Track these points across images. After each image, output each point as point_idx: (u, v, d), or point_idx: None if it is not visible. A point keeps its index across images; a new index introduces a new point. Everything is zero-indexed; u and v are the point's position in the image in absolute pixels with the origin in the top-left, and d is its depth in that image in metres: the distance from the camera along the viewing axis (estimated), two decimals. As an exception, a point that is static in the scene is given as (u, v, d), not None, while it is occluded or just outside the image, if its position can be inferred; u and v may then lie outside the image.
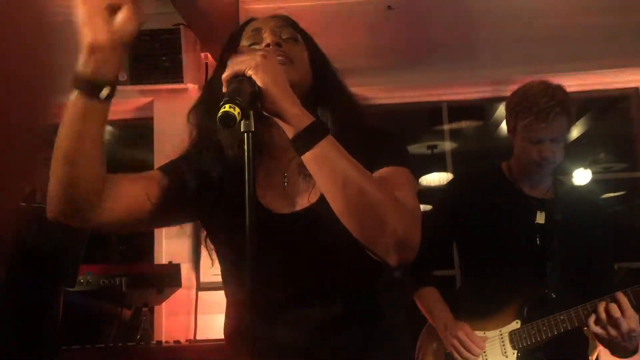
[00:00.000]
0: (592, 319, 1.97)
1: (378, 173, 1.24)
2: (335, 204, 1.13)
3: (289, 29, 1.33)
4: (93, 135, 1.16)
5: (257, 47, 1.28)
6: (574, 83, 3.64)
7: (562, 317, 2.04)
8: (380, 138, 1.33)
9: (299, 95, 1.18)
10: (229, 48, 1.33)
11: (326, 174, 1.12)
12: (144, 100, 3.86)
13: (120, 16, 1.06)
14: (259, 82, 1.08)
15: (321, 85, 1.31)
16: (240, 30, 1.37)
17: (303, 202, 1.27)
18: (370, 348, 1.26)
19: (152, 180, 1.30)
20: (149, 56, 3.59)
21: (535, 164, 2.16)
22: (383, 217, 1.11)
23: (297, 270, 1.24)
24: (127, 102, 3.89)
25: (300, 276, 1.24)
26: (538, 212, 2.20)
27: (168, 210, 1.29)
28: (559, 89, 2.15)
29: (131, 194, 1.24)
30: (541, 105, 2.09)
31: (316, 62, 1.34)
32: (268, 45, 1.26)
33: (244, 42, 1.32)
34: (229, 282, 1.33)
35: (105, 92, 1.12)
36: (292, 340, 1.23)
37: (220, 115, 1.00)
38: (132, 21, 1.07)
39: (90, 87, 1.11)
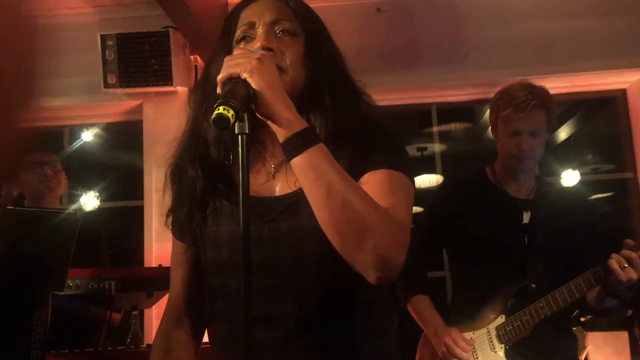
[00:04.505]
0: (613, 261, 1.95)
1: (370, 175, 1.20)
2: (318, 213, 1.11)
3: (285, 21, 1.27)
4: None
5: (250, 44, 1.24)
6: (562, 85, 3.68)
7: (541, 304, 2.08)
8: (377, 139, 1.27)
9: (292, 97, 1.17)
10: (225, 37, 1.31)
11: (311, 182, 1.11)
12: (133, 103, 3.85)
13: None
14: (254, 86, 1.07)
15: (315, 84, 1.26)
16: (235, 16, 1.31)
17: (286, 188, 1.26)
18: (351, 347, 1.23)
19: (189, 267, 1.39)
20: (138, 59, 3.58)
21: (514, 158, 2.20)
22: (365, 232, 1.08)
23: (273, 257, 1.21)
24: (116, 105, 3.88)
25: (277, 264, 1.21)
26: (524, 213, 2.23)
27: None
28: (540, 87, 2.24)
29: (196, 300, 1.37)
30: (520, 98, 2.17)
31: (311, 56, 1.27)
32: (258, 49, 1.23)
33: (238, 34, 1.28)
34: (212, 277, 1.31)
35: None
36: (268, 337, 1.19)
37: (214, 117, 0.99)
38: None
39: None
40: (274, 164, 1.30)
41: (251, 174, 1.27)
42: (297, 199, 1.22)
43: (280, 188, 1.27)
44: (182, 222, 1.33)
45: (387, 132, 1.31)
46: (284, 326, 1.20)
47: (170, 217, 1.37)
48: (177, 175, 1.33)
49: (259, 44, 1.23)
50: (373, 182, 1.19)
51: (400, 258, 1.11)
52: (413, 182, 1.26)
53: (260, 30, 1.25)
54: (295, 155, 1.11)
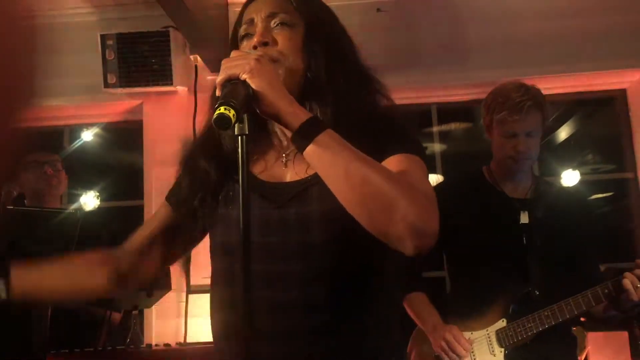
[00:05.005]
0: (628, 279, 1.97)
1: (386, 162, 1.20)
2: (341, 195, 1.11)
3: (282, 14, 1.29)
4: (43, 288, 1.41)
5: (250, 41, 1.28)
6: (562, 85, 3.68)
7: (546, 313, 2.08)
8: (388, 127, 1.28)
9: (292, 87, 1.19)
10: (234, 38, 1.35)
11: (328, 166, 1.11)
12: (134, 102, 3.85)
13: None
14: (254, 86, 1.08)
15: (315, 74, 1.27)
16: (240, 15, 1.35)
17: (296, 176, 1.27)
18: (355, 337, 1.22)
19: (163, 225, 1.43)
20: (138, 59, 3.58)
21: (510, 159, 2.20)
22: (392, 203, 1.07)
23: (280, 242, 1.22)
24: (116, 105, 3.88)
25: (284, 250, 1.22)
26: (522, 213, 2.23)
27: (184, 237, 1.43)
28: (533, 87, 2.23)
29: (146, 256, 1.43)
30: (515, 99, 2.16)
31: (311, 46, 1.28)
32: (255, 47, 1.25)
33: (241, 32, 1.32)
34: (218, 259, 1.32)
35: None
36: (272, 323, 1.20)
37: (216, 117, 1.00)
38: None
39: None
40: (285, 152, 1.31)
41: (263, 160, 1.32)
42: (307, 186, 1.23)
43: (290, 175, 1.29)
44: (185, 198, 1.35)
45: (395, 120, 1.31)
46: (288, 312, 1.20)
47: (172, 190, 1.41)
48: (190, 164, 1.35)
49: (255, 40, 1.25)
50: (391, 165, 1.19)
51: (432, 224, 1.10)
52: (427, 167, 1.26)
53: (258, 26, 1.28)
54: (306, 145, 1.10)
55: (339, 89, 1.26)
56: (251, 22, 1.30)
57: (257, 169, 1.33)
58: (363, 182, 1.08)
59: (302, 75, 1.27)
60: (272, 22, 1.29)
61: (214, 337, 1.33)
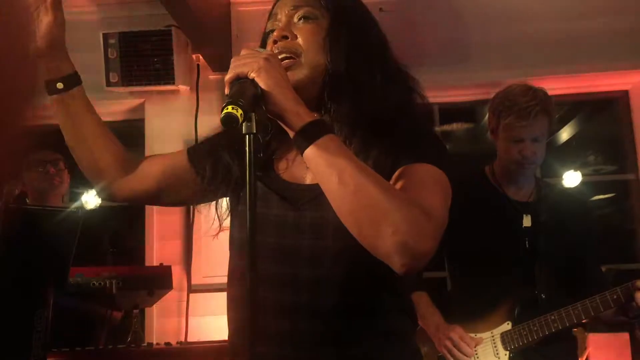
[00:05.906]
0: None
1: (400, 170, 1.17)
2: (334, 203, 1.10)
3: (305, 7, 1.27)
4: (79, 122, 1.48)
5: (272, 35, 1.28)
6: (564, 86, 3.67)
7: (552, 317, 2.07)
8: (413, 131, 1.24)
9: (313, 83, 1.20)
10: (265, 29, 1.35)
11: (322, 171, 1.09)
12: (136, 101, 3.86)
13: (44, 22, 1.30)
14: (262, 85, 1.08)
15: (337, 70, 1.24)
16: (271, 9, 1.34)
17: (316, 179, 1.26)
18: (361, 344, 1.22)
19: (174, 165, 1.43)
20: (141, 58, 3.58)
21: (516, 164, 2.19)
22: (381, 218, 1.04)
23: (293, 245, 1.22)
24: (118, 104, 3.88)
25: (296, 253, 1.21)
26: (524, 216, 2.22)
27: (183, 191, 1.44)
28: (540, 90, 2.20)
29: (147, 174, 1.44)
30: (522, 105, 2.13)
31: (333, 40, 1.25)
32: (275, 42, 1.25)
33: (267, 27, 1.32)
34: (233, 253, 1.32)
35: (60, 86, 1.44)
36: (279, 325, 1.20)
37: (223, 117, 1.00)
38: (54, 25, 1.32)
39: (48, 86, 1.44)
40: None
41: (286, 160, 1.32)
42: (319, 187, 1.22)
43: (310, 178, 1.28)
44: (203, 174, 1.36)
45: (422, 124, 1.29)
46: (295, 315, 1.20)
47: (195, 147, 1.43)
48: (216, 152, 1.35)
49: (275, 34, 1.25)
50: (405, 176, 1.16)
51: (424, 245, 1.06)
52: (448, 175, 1.21)
53: (281, 19, 1.28)
54: (306, 147, 1.09)
55: (361, 86, 1.24)
56: (275, 17, 1.30)
57: (281, 167, 1.32)
58: (355, 191, 1.06)
59: (324, 71, 1.24)
60: (296, 16, 1.28)
61: (228, 332, 1.33)
